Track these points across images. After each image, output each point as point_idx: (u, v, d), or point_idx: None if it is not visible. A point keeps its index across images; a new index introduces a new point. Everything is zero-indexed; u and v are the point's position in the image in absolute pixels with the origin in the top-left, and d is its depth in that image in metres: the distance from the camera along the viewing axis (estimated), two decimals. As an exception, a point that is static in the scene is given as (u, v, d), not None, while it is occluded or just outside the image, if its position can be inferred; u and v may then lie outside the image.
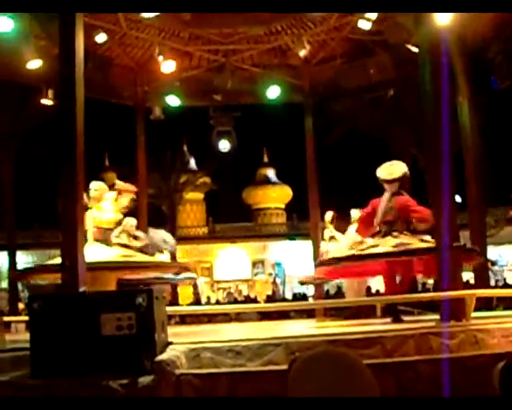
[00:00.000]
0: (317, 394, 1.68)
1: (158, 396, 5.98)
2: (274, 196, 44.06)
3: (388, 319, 10.49)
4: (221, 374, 6.41)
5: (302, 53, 15.54)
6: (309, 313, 17.74)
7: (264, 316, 19.23)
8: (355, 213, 13.47)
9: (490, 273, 18.07)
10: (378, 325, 9.86)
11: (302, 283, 16.23)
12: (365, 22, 14.02)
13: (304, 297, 29.20)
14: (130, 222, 12.98)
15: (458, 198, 13.95)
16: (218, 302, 31.62)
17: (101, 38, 14.18)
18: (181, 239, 34.65)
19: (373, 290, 25.67)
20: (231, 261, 39.77)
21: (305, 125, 17.24)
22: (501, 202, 29.68)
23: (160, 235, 14.47)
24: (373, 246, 10.48)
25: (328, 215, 14.64)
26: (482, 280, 13.96)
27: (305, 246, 26.87)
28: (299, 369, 1.78)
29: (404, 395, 6.15)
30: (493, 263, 25.03)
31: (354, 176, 35.10)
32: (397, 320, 10.14)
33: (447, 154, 9.03)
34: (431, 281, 26.46)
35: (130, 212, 14.21)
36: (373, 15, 13.81)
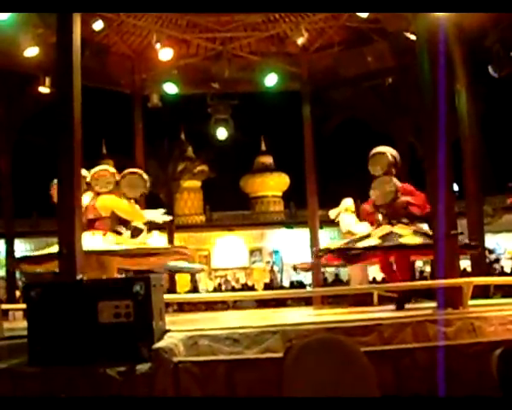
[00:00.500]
0: (312, 382, 1.68)
1: (156, 384, 5.99)
2: (271, 185, 44.00)
3: (391, 307, 10.51)
4: (219, 362, 6.42)
5: (300, 41, 15.48)
6: (306, 301, 17.77)
7: (262, 304, 19.25)
8: (346, 203, 13.52)
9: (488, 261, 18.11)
10: (376, 313, 9.87)
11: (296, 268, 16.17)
12: (363, 10, 13.97)
13: (301, 285, 29.22)
14: None
15: (456, 187, 13.92)
16: (215, 290, 31.65)
17: (98, 25, 14.12)
18: (178, 227, 34.64)
19: (369, 278, 25.68)
20: (229, 249, 39.75)
21: (303, 113, 17.24)
22: (499, 190, 29.67)
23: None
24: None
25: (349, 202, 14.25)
26: (480, 268, 13.97)
27: (302, 234, 26.90)
28: (294, 357, 1.78)
29: (402, 383, 6.17)
30: (491, 251, 25.08)
31: (352, 164, 35.07)
32: (400, 308, 10.14)
33: (445, 142, 9.03)
34: (428, 269, 26.53)
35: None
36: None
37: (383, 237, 10.50)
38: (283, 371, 1.80)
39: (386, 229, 10.68)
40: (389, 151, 11.38)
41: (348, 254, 11.12)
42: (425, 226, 10.58)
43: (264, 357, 6.50)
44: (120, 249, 10.89)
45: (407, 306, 10.31)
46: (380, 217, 11.10)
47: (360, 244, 10.77)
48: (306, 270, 15.85)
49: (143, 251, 11.35)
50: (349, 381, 1.67)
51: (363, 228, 12.74)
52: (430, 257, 12.10)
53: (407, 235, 10.40)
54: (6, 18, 12.39)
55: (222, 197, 39.83)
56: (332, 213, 14.00)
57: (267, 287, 30.92)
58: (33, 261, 12.44)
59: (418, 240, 10.29)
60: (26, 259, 13.16)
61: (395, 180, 11.11)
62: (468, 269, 15.16)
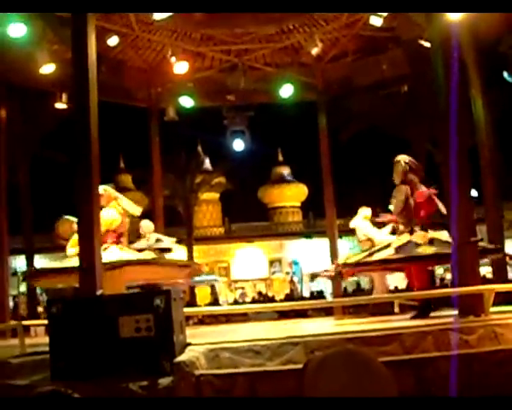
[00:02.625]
0: (332, 394, 1.68)
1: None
2: (289, 195, 43.97)
3: (411, 314, 10.41)
4: (240, 374, 6.41)
5: (314, 51, 15.51)
6: (327, 311, 17.73)
7: (282, 315, 19.22)
8: (363, 212, 13.53)
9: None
10: (397, 322, 9.82)
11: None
12: (377, 19, 13.97)
13: (321, 295, 29.15)
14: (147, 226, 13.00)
15: (474, 192, 13.84)
16: (236, 302, 31.63)
17: (113, 41, 14.22)
18: (197, 240, 34.67)
19: (391, 287, 25.60)
20: (248, 261, 39.74)
21: (319, 123, 17.26)
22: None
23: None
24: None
25: (367, 211, 14.15)
26: (500, 275, 13.88)
27: (321, 244, 26.85)
28: (314, 369, 1.78)
29: (424, 392, 6.13)
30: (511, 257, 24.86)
31: (370, 173, 35.02)
32: (425, 316, 10.03)
33: (462, 148, 9.01)
34: (449, 276, 26.37)
35: (146, 213, 14.14)
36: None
37: (399, 248, 10.40)
38: (303, 384, 1.80)
39: (404, 238, 10.57)
40: (403, 159, 11.22)
41: (366, 266, 11.12)
42: (445, 233, 10.46)
43: (285, 369, 6.49)
44: (122, 260, 10.80)
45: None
46: (401, 226, 11.00)
47: (377, 256, 10.71)
48: (330, 277, 15.73)
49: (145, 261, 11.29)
50: (369, 393, 1.66)
51: (380, 234, 12.74)
52: (446, 265, 11.98)
53: (423, 245, 10.28)
54: (22, 35, 12.50)
55: (240, 209, 39.83)
56: (352, 223, 13.97)
57: (287, 298, 30.86)
58: (50, 275, 12.47)
59: (433, 250, 10.16)
60: (42, 272, 13.16)
61: (405, 189, 10.95)
62: (488, 275, 15.05)
